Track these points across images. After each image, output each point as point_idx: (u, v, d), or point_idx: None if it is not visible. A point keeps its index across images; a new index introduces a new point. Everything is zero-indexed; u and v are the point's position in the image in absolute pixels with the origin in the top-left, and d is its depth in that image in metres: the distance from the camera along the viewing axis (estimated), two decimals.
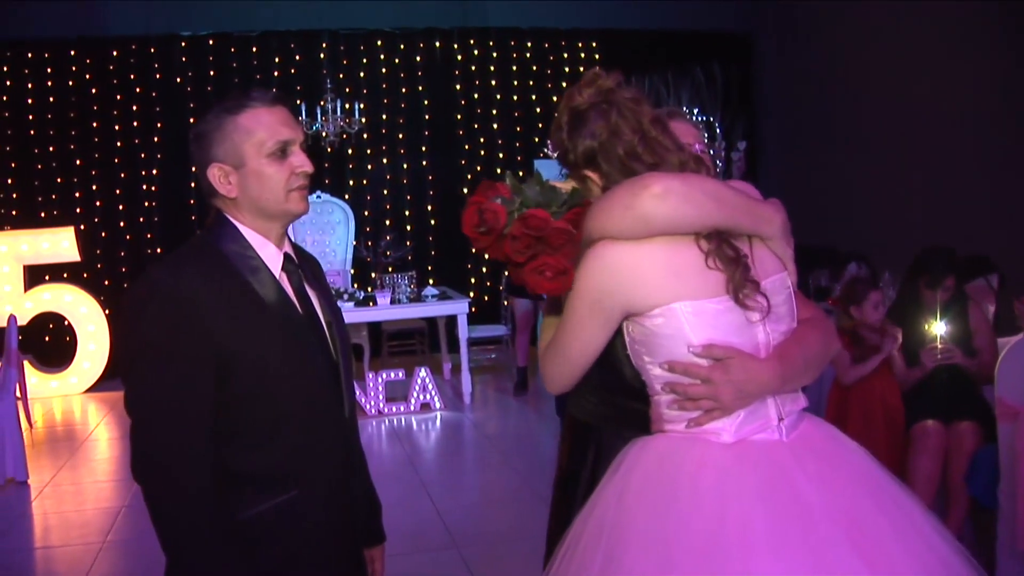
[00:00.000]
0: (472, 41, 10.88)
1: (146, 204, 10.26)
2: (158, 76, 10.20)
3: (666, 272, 1.87)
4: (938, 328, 4.57)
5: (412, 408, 8.04)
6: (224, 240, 2.11)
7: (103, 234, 10.17)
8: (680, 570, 1.74)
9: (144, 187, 10.24)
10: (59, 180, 10.06)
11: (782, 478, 1.83)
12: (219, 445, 2.02)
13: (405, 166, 10.80)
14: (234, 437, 2.03)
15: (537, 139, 10.89)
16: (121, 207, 10.21)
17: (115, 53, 10.09)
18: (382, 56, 10.70)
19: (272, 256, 2.13)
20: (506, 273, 9.44)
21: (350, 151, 10.56)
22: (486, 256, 10.69)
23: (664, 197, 1.85)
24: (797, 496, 1.81)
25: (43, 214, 9.97)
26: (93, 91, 10.07)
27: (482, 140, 10.95)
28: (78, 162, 10.07)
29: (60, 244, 9.31)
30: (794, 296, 2.03)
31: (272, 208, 2.10)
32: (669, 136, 2.01)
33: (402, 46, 10.73)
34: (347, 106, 9.97)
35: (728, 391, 1.86)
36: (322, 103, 9.78)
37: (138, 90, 10.16)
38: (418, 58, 10.78)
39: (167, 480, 1.97)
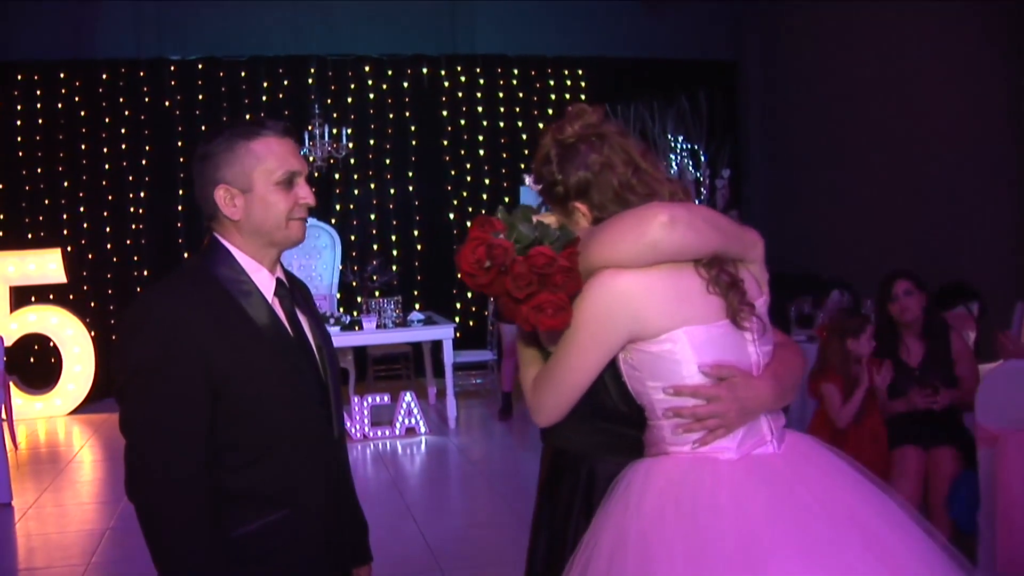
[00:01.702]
0: (459, 68, 10.94)
1: (133, 227, 10.25)
2: (147, 99, 10.22)
3: (673, 298, 1.94)
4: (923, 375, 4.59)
5: (397, 432, 8.04)
6: (217, 264, 2.14)
7: (90, 256, 10.15)
8: None
9: (131, 210, 10.23)
10: (47, 202, 10.05)
11: (786, 487, 1.92)
12: (211, 464, 2.05)
13: (392, 191, 10.84)
14: (226, 457, 2.07)
15: (523, 165, 10.94)
16: (108, 229, 10.20)
17: (104, 76, 10.11)
18: (370, 82, 10.75)
19: (265, 281, 2.17)
20: (492, 299, 9.47)
21: (337, 176, 10.59)
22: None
23: (672, 226, 1.92)
24: (800, 501, 1.89)
25: (30, 235, 9.93)
26: (82, 114, 10.09)
27: (468, 166, 10.99)
28: (66, 184, 10.06)
29: (47, 266, 9.30)
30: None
31: (273, 235, 2.15)
32: (659, 169, 2.08)
33: (390, 72, 10.79)
34: (335, 131, 10.01)
35: (734, 408, 1.94)
36: (310, 128, 9.82)
37: (127, 113, 10.18)
38: (405, 84, 10.83)
39: (160, 500, 2.00)
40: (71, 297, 9.87)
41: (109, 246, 10.22)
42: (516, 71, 11.09)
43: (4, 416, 7.71)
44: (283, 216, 2.14)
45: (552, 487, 2.25)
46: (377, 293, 8.97)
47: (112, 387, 2.10)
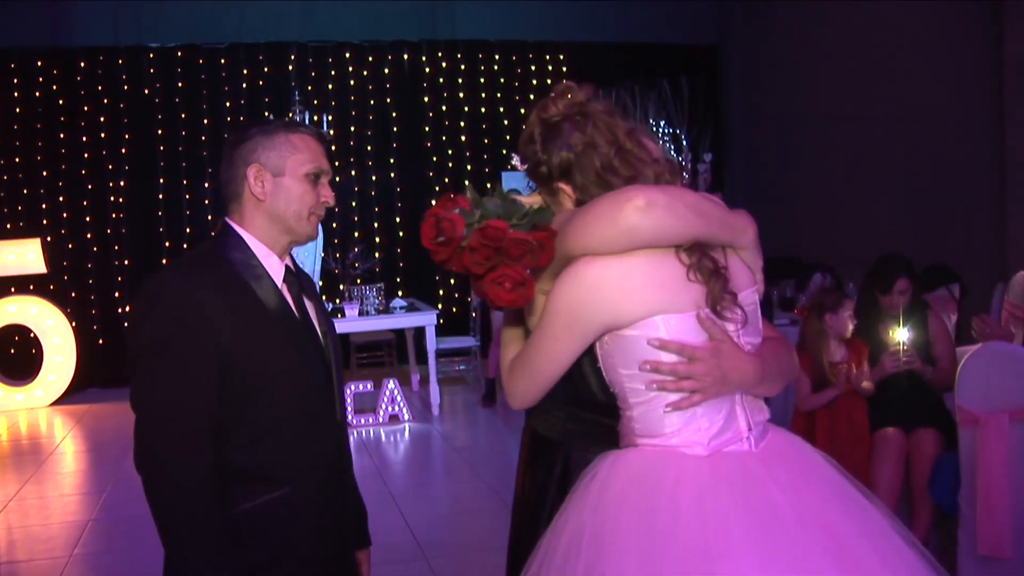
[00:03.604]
0: (440, 53, 10.92)
1: (113, 216, 10.20)
2: (126, 87, 10.17)
3: (649, 286, 1.88)
4: (900, 335, 4.59)
5: (380, 420, 8.04)
6: (230, 249, 2.23)
7: (70, 246, 10.10)
8: None
9: (111, 199, 10.19)
10: (25, 191, 9.99)
11: (756, 488, 1.85)
12: (217, 440, 2.12)
13: (373, 178, 10.82)
14: (231, 433, 2.13)
15: (505, 151, 10.93)
16: (88, 219, 10.15)
17: (83, 64, 10.05)
18: (350, 68, 10.72)
19: (275, 267, 2.26)
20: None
21: None
22: (449, 268, 10.69)
23: (648, 209, 1.85)
24: (771, 505, 1.83)
25: (9, 225, 9.89)
26: (60, 102, 10.02)
27: (450, 152, 10.98)
28: (45, 173, 10.00)
29: (26, 256, 9.25)
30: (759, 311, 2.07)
31: (291, 223, 2.25)
32: (644, 149, 2.02)
33: (370, 58, 10.76)
34: (315, 118, 9.97)
35: (715, 374, 1.87)
36: (290, 115, 9.75)
37: (106, 101, 10.12)
38: (386, 70, 10.80)
39: (167, 473, 2.06)
40: (51, 287, 9.82)
41: (89, 235, 10.17)
42: (497, 56, 11.07)
43: None
44: (305, 208, 2.25)
45: (529, 471, 2.26)
46: (359, 280, 8.95)
47: (125, 362, 2.18)
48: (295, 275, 2.34)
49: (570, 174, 2.01)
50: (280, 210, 2.23)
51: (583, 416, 2.12)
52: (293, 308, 2.27)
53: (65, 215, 10.10)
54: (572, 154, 2.00)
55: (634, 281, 1.88)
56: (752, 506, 1.82)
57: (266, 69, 10.51)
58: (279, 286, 2.25)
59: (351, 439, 7.48)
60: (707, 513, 1.80)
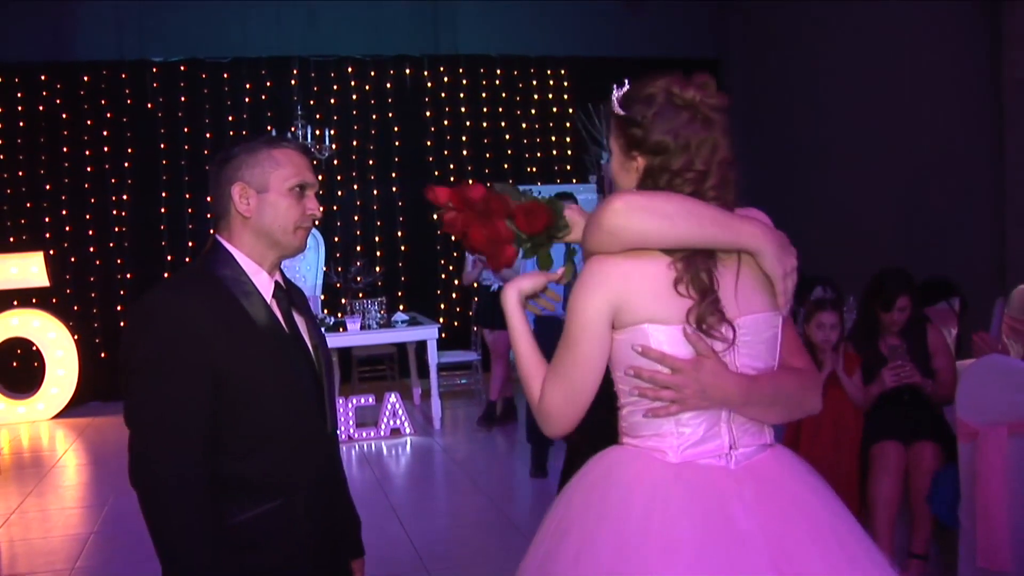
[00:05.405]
0: (442, 68, 10.96)
1: (116, 229, 10.22)
2: (129, 101, 10.20)
3: (646, 292, 1.90)
4: (892, 347, 4.62)
5: (382, 433, 8.05)
6: (219, 266, 2.26)
7: (72, 259, 10.12)
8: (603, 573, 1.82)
9: (114, 212, 10.21)
10: (28, 205, 10.03)
11: (718, 503, 1.85)
12: (211, 454, 2.15)
13: (375, 192, 10.85)
14: (224, 446, 2.16)
15: (507, 166, 10.97)
16: (91, 232, 10.17)
17: (86, 78, 10.09)
18: (353, 83, 10.76)
19: (264, 283, 2.29)
20: (475, 299, 9.46)
21: (320, 177, 10.54)
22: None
23: (626, 212, 1.86)
24: (730, 522, 1.82)
25: (12, 238, 9.91)
26: (63, 116, 10.06)
27: (452, 167, 11.00)
28: (48, 187, 10.04)
29: (29, 269, 9.27)
30: (783, 339, 2.02)
31: (278, 237, 2.28)
32: (725, 185, 2.01)
33: (372, 73, 10.80)
34: (317, 132, 10.00)
35: (694, 386, 1.87)
36: (292, 129, 9.80)
37: (109, 115, 10.16)
38: (388, 85, 10.84)
39: (161, 489, 2.08)
40: (53, 300, 9.84)
41: (92, 249, 10.18)
42: (499, 71, 11.10)
43: None
44: (291, 222, 2.28)
45: (564, 472, 2.36)
46: (361, 294, 8.97)
47: (119, 380, 2.21)
48: (285, 290, 2.37)
49: (649, 155, 1.96)
50: (266, 226, 2.26)
51: (599, 415, 2.12)
52: (283, 323, 2.30)
53: (68, 228, 10.12)
54: (672, 142, 1.94)
55: (633, 282, 1.90)
56: (708, 518, 1.83)
57: (269, 83, 10.55)
58: (268, 301, 2.28)
59: (352, 453, 7.56)
60: (653, 515, 1.84)
